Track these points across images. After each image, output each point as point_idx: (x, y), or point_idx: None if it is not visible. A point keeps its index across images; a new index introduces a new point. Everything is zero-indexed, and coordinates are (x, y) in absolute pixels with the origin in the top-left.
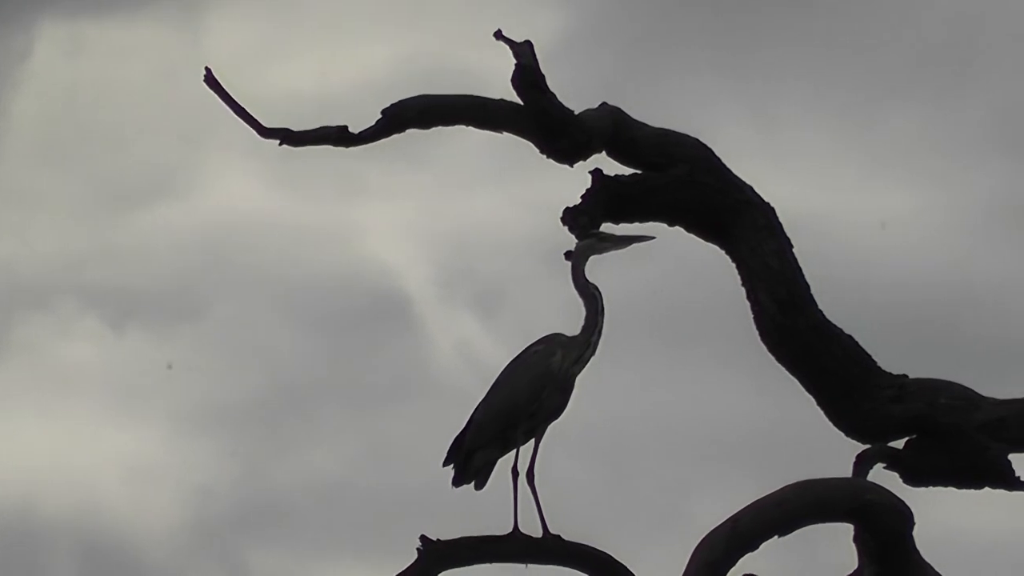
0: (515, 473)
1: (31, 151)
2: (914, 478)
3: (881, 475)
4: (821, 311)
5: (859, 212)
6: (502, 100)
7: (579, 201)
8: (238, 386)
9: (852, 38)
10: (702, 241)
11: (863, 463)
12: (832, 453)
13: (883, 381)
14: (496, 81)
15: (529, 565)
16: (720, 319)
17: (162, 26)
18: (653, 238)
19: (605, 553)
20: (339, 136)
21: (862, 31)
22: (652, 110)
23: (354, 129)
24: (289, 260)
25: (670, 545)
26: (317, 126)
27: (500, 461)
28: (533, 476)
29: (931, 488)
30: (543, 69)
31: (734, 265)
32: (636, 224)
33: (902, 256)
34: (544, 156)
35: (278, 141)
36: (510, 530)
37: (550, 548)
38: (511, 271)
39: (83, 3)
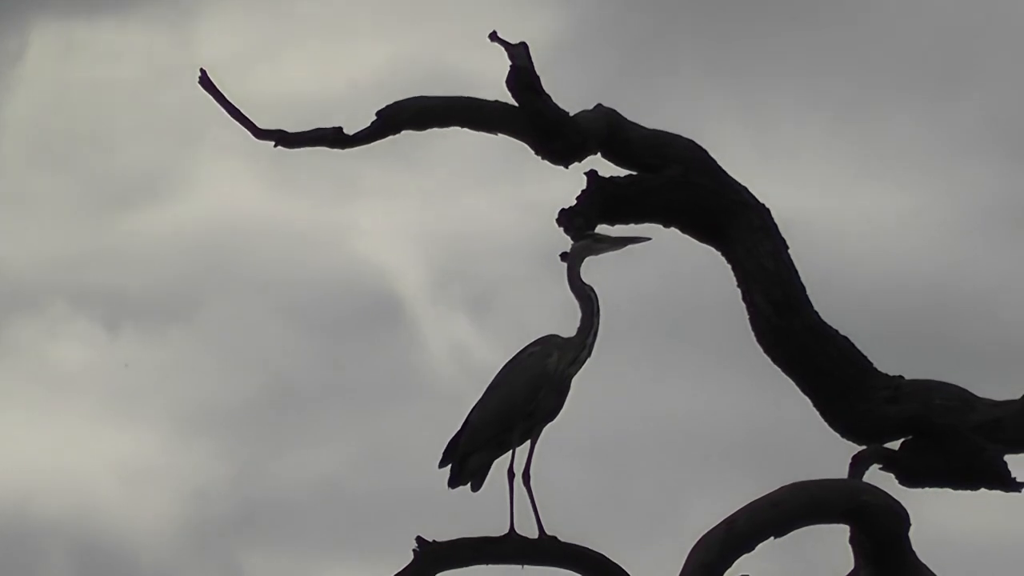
0: (511, 474)
1: (24, 153)
2: (910, 479)
3: (877, 476)
4: (816, 312)
5: (854, 213)
6: (497, 102)
7: (574, 202)
8: (232, 387)
9: (848, 40)
10: (697, 242)
11: (859, 464)
12: (828, 454)
13: (879, 382)
14: (491, 83)
15: (525, 566)
16: (715, 320)
17: (155, 27)
18: (648, 239)
19: (601, 554)
20: (334, 138)
21: (857, 33)
22: (647, 111)
23: (349, 131)
24: (284, 262)
25: (666, 546)
26: (312, 128)
27: (496, 462)
28: (529, 477)
29: (927, 489)
30: (538, 71)
31: (729, 266)
32: (631, 225)
33: (897, 257)
34: (539, 157)
35: (273, 143)
36: (506, 531)
37: (546, 549)
38: (507, 272)
39: (76, 5)
